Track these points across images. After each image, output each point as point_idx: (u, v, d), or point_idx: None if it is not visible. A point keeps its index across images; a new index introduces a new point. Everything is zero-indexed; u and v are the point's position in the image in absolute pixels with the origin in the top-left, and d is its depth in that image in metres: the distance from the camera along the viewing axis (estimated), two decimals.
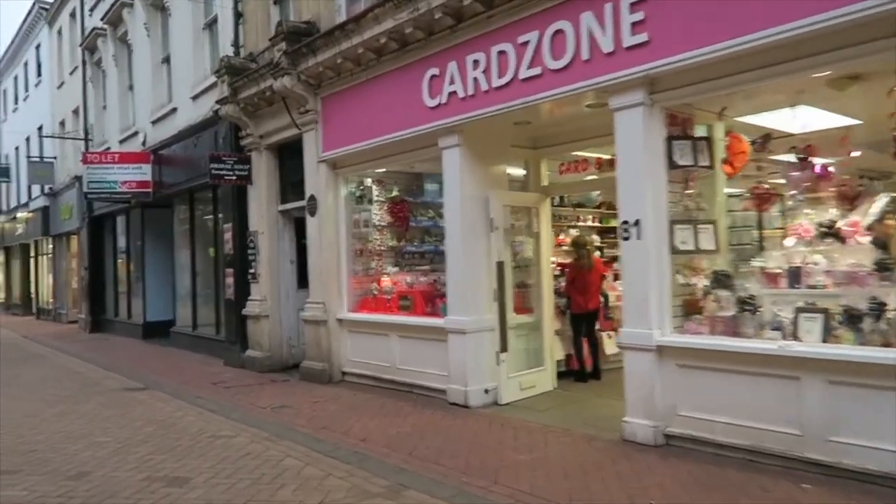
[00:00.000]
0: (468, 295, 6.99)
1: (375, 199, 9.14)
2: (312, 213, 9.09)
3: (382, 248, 9.08)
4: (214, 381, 9.27)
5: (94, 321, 18.24)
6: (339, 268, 8.93)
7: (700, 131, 5.73)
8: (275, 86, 8.98)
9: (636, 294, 5.38)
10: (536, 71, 6.11)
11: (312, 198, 9.07)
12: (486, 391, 6.96)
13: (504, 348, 6.99)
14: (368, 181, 9.17)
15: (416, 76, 7.35)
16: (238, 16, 10.82)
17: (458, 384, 6.98)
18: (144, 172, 14.01)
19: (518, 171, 7.95)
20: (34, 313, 26.18)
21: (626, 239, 5.43)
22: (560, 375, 7.79)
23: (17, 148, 27.59)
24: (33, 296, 27.08)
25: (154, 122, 14.31)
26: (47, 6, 22.94)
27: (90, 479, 4.94)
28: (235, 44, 10.81)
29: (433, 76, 7.17)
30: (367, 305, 8.80)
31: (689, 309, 5.40)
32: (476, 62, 6.68)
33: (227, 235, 11.09)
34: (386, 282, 8.79)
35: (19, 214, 26.46)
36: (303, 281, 10.23)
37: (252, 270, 10.41)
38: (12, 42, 27.54)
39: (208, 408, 7.46)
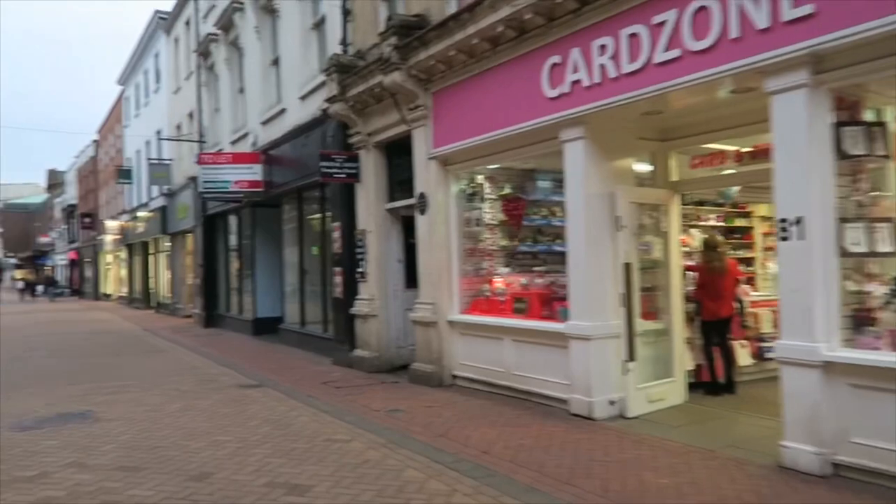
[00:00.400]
0: (592, 298, 6.52)
1: (487, 196, 8.80)
2: (422, 212, 8.87)
3: (493, 247, 8.73)
4: (324, 381, 9.24)
5: (208, 316, 18.98)
6: (450, 268, 8.66)
7: (871, 116, 5.00)
8: (384, 82, 8.82)
9: (797, 302, 4.73)
10: (674, 54, 5.56)
11: (422, 195, 8.84)
12: (612, 402, 6.47)
13: (632, 357, 6.47)
14: (480, 178, 8.84)
15: (535, 65, 6.94)
16: (346, 13, 10.78)
17: (581, 394, 6.52)
18: (255, 172, 14.33)
19: (644, 167, 7.37)
20: (153, 307, 27.72)
21: (784, 239, 4.80)
22: (689, 387, 7.16)
23: (138, 151, 29.33)
24: (152, 291, 28.70)
25: (264, 123, 14.62)
26: (165, 16, 24.16)
27: (212, 481, 4.87)
28: (343, 42, 10.78)
29: (554, 65, 6.73)
30: (479, 307, 8.47)
31: (861, 320, 4.70)
32: (603, 47, 6.19)
33: (336, 234, 11.09)
34: (498, 283, 8.43)
35: (140, 214, 28.08)
36: (410, 281, 10.07)
37: (360, 269, 10.34)
38: (134, 52, 29.28)
39: (321, 408, 7.37)
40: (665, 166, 7.39)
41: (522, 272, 8.43)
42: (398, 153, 9.98)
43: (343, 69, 10.00)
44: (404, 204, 9.75)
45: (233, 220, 17.93)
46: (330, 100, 10.26)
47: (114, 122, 36.17)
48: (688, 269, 7.69)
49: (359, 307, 10.33)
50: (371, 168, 10.22)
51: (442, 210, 8.69)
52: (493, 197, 8.80)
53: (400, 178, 10.08)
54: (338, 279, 11.06)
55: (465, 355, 8.42)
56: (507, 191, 8.78)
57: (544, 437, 5.80)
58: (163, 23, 24.45)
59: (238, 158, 14.57)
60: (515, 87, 7.27)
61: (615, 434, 5.85)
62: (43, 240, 63.39)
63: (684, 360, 7.17)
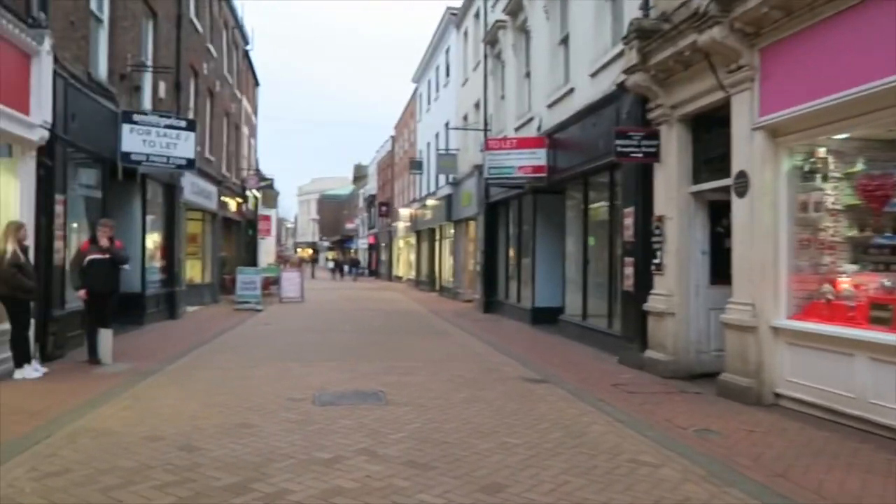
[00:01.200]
0: None
1: (831, 174, 7.01)
2: (740, 194, 7.40)
3: (837, 238, 6.92)
4: (614, 383, 8.30)
5: (487, 302, 19.23)
6: (776, 262, 7.09)
7: None
8: (698, 41, 7.52)
9: None
10: None
11: (742, 175, 7.37)
12: None
13: None
14: (822, 151, 7.08)
15: None
16: None
17: None
18: (539, 157, 13.86)
19: None
20: (437, 290, 29.36)
21: None
22: None
23: (428, 144, 31.25)
24: (436, 275, 30.42)
25: (549, 106, 14.07)
26: (456, 12, 25.13)
27: (505, 496, 4.26)
28: (644, 5, 9.61)
29: None
30: (816, 313, 6.78)
31: None
32: None
33: (627, 221, 10.03)
34: (844, 283, 6.65)
35: (428, 202, 29.88)
36: (716, 276, 8.66)
37: (656, 261, 9.16)
38: (427, 50, 31.19)
39: (616, 417, 6.46)
40: None
41: (880, 271, 6.52)
42: (707, 127, 8.59)
43: (644, 35, 8.88)
44: (714, 186, 8.35)
45: (514, 208, 17.82)
46: (628, 70, 9.21)
47: (408, 117, 39.20)
48: None
49: (653, 303, 9.17)
50: (673, 145, 8.96)
51: (768, 192, 7.14)
52: (838, 175, 6.99)
53: (708, 157, 8.67)
54: (628, 271, 10.01)
55: (793, 371, 6.82)
56: (858, 167, 6.89)
57: None
58: (453, 18, 25.47)
59: (522, 143, 14.24)
60: (889, 28, 5.51)
61: None
62: (349, 226, 72.07)
63: None
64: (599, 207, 12.43)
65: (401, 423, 6.08)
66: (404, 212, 37.45)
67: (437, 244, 30.50)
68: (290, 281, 23.22)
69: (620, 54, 9.87)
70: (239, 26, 27.15)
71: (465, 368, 9.27)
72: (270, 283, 24.10)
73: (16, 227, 8.11)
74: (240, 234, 28.00)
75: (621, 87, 9.89)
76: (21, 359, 8.07)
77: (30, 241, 8.51)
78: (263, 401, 6.95)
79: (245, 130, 29.68)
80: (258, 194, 33.15)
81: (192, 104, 18.57)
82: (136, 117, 12.37)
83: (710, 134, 8.51)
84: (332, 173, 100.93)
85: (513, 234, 18.11)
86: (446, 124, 26.76)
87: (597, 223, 12.56)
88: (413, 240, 37.03)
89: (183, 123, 12.97)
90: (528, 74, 16.16)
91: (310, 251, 79.14)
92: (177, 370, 8.91)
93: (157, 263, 15.53)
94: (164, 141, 12.64)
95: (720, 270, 8.50)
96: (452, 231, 26.16)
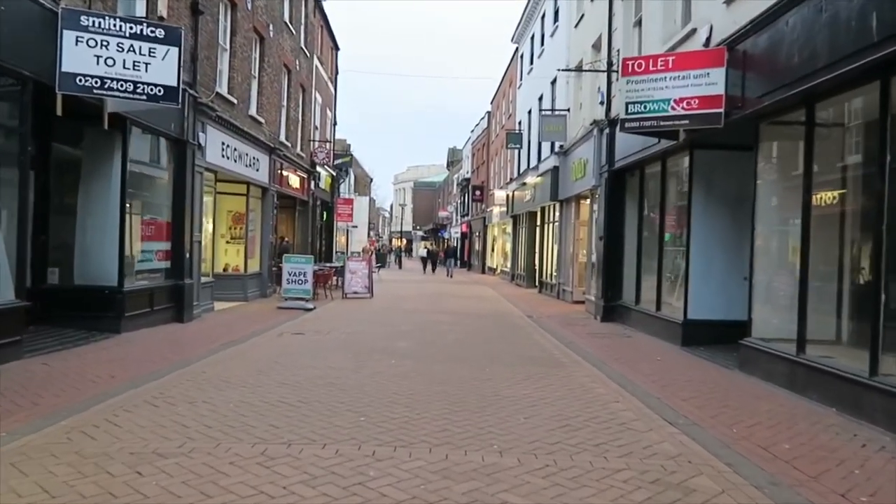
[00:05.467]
0: None
1: None
2: None
3: None
4: None
5: (607, 307, 14.02)
6: None
7: None
8: None
9: None
10: None
11: None
12: None
13: None
14: None
15: None
16: None
17: None
18: (713, 81, 8.54)
19: None
20: (536, 286, 24.28)
21: None
22: None
23: (528, 111, 26.17)
24: (536, 267, 25.34)
25: (728, 1, 8.75)
26: None
27: None
28: None
29: None
30: None
31: None
32: None
33: None
34: None
35: (528, 179, 24.80)
36: None
37: None
38: (527, 5, 26.13)
39: None
40: None
41: None
42: None
43: None
44: None
45: (652, 174, 12.52)
46: None
47: (506, 86, 34.21)
48: None
49: None
50: None
51: None
52: None
53: None
54: None
55: None
56: None
57: None
58: None
59: (684, 62, 8.93)
60: None
61: None
62: (441, 214, 67.91)
63: None
64: (844, 164, 7.08)
65: None
66: (500, 194, 32.48)
67: (537, 230, 25.36)
68: (355, 273, 18.85)
69: None
70: None
71: (604, 466, 4.31)
72: (333, 275, 19.89)
73: None
74: (307, 217, 24.02)
75: None
76: None
77: None
78: None
79: (317, 97, 25.66)
80: (331, 172, 29.20)
81: (222, 40, 14.43)
82: (85, 20, 8.15)
83: None
84: (427, 161, 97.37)
85: (650, 212, 12.82)
86: (553, 80, 21.59)
87: (831, 190, 7.21)
88: (509, 227, 32.01)
89: (160, 33, 8.61)
90: None
91: (402, 241, 75.96)
92: (15, 451, 4.49)
93: (157, 247, 11.41)
94: (131, 59, 8.37)
95: None
96: (558, 213, 20.97)
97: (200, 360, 8.17)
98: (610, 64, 14.45)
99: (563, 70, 17.94)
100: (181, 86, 8.89)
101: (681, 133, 9.66)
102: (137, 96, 8.39)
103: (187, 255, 11.95)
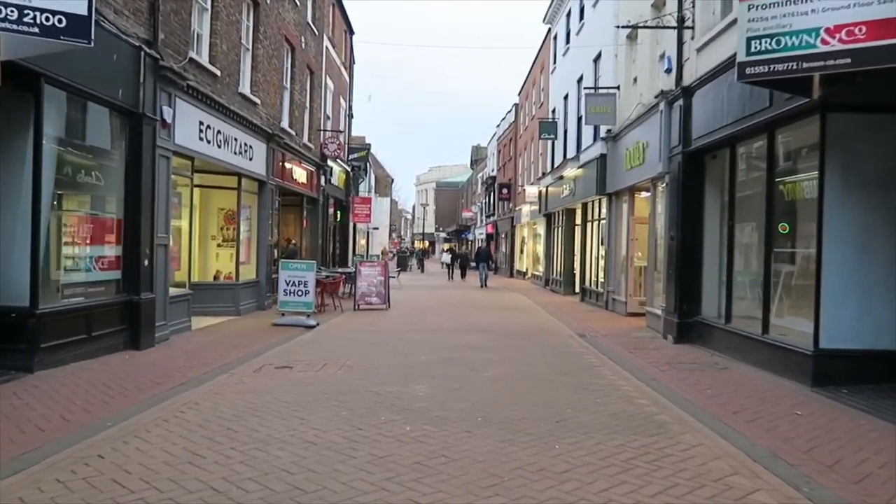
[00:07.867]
0: None
1: None
2: None
3: None
4: None
5: (682, 324, 11.03)
6: None
7: None
8: None
9: None
10: None
11: None
12: None
13: None
14: None
15: None
16: None
17: None
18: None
19: None
20: (577, 294, 21.28)
21: None
22: None
23: (565, 96, 23.20)
24: (576, 272, 22.35)
25: None
26: None
27: None
28: None
29: None
30: None
31: None
32: None
33: None
34: None
35: (565, 173, 21.81)
36: None
37: None
38: None
39: None
40: None
41: None
42: None
43: None
44: None
45: (751, 153, 9.54)
46: None
47: (536, 73, 31.25)
48: None
49: None
50: None
51: None
52: None
53: None
54: None
55: None
56: None
57: None
58: None
59: None
60: None
61: None
62: (465, 215, 65.04)
63: None
64: None
65: None
66: (531, 190, 29.47)
67: (577, 229, 22.37)
68: (368, 279, 16.01)
69: None
70: None
71: None
72: (343, 282, 17.11)
73: None
74: (317, 217, 21.31)
75: None
76: None
77: None
78: None
79: (329, 83, 22.96)
80: (346, 167, 26.49)
81: (203, 1, 11.76)
82: None
83: None
84: (450, 162, 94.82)
85: (746, 202, 9.83)
86: (595, 57, 18.63)
87: None
88: (541, 226, 28.99)
89: None
90: None
91: (425, 243, 73.31)
92: None
93: (100, 252, 8.69)
94: None
95: None
96: (605, 209, 17.97)
97: (106, 429, 5.37)
98: (682, 20, 11.50)
99: (623, 27, 14.89)
100: (93, 15, 6.12)
101: (815, 87, 6.72)
102: (25, 27, 5.64)
103: (145, 263, 9.23)
